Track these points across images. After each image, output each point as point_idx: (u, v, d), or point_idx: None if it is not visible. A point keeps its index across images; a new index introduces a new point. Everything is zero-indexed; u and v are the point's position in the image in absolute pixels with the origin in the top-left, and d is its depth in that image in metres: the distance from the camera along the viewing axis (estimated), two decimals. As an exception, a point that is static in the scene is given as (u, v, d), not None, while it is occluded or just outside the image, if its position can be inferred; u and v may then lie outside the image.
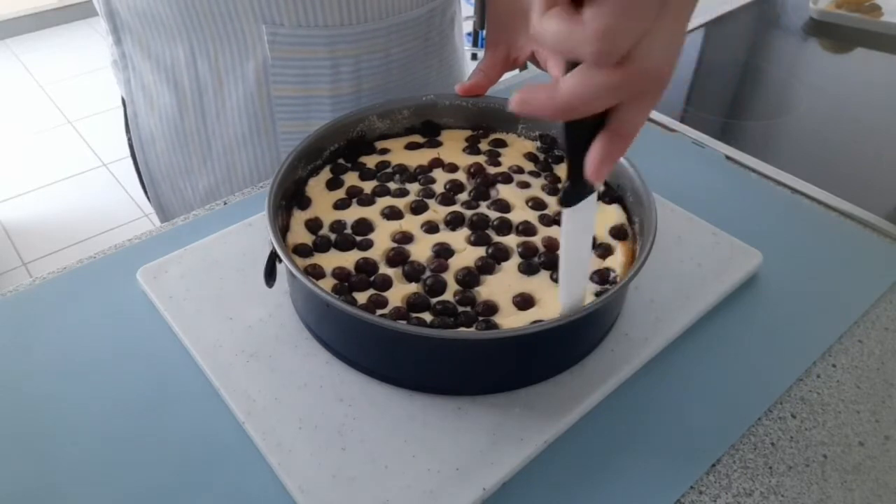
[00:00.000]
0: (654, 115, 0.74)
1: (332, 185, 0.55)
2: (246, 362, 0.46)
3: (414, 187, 0.55)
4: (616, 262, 0.49)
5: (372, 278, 0.47)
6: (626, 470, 0.41)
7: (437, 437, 0.42)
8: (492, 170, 0.57)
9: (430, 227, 0.52)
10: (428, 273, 0.48)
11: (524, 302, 0.46)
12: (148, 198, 0.77)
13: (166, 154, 0.71)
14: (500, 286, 0.47)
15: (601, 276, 0.48)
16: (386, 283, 0.47)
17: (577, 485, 0.41)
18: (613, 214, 0.53)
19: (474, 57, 2.97)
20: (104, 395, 0.45)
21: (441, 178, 0.56)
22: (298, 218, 0.52)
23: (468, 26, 2.93)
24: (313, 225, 0.51)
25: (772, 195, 0.63)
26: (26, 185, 2.25)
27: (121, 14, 0.65)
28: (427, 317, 0.45)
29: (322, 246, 0.50)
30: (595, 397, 0.44)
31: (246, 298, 0.50)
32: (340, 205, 0.53)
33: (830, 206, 0.62)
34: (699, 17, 0.96)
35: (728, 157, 0.68)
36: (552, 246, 0.50)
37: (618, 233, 0.51)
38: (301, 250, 0.49)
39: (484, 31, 2.98)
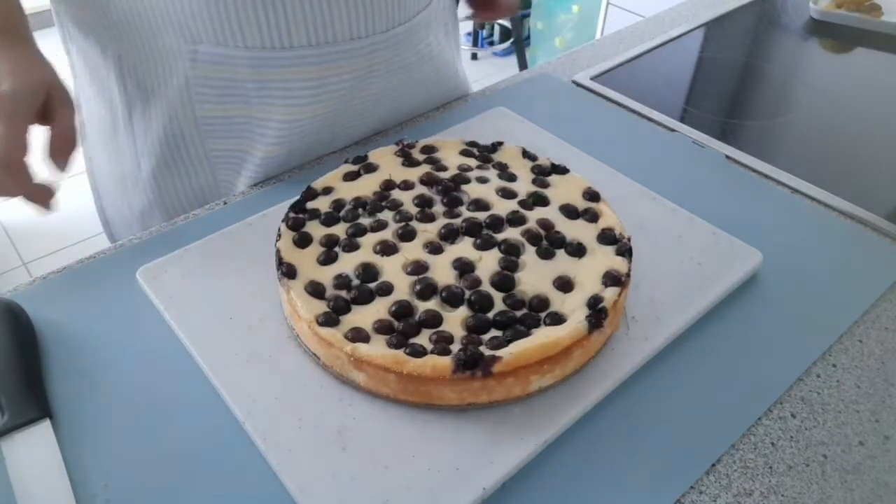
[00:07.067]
0: (654, 115, 0.74)
1: (301, 241, 0.51)
2: (246, 362, 0.46)
3: (386, 215, 0.53)
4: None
5: (418, 318, 0.45)
6: (626, 470, 0.41)
7: (437, 436, 0.42)
8: (443, 174, 0.56)
9: (433, 248, 0.50)
10: (468, 293, 0.46)
11: (566, 285, 0.47)
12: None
13: (107, 165, 0.71)
14: (535, 277, 0.47)
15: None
16: (436, 319, 0.45)
17: (577, 485, 0.41)
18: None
19: (475, 57, 2.97)
20: (104, 394, 0.45)
21: (405, 198, 0.55)
22: (296, 288, 0.47)
23: (467, 26, 2.93)
24: (316, 290, 0.47)
25: (772, 195, 0.63)
26: (26, 185, 2.25)
27: (66, 25, 0.64)
28: (498, 333, 0.44)
29: (342, 308, 0.46)
30: (595, 397, 0.44)
31: (246, 298, 0.50)
32: (326, 259, 0.49)
33: (830, 206, 0.62)
34: (699, 17, 0.96)
35: (728, 157, 0.68)
36: (548, 225, 0.51)
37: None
38: (326, 320, 0.45)
39: (483, 30, 2.97)
